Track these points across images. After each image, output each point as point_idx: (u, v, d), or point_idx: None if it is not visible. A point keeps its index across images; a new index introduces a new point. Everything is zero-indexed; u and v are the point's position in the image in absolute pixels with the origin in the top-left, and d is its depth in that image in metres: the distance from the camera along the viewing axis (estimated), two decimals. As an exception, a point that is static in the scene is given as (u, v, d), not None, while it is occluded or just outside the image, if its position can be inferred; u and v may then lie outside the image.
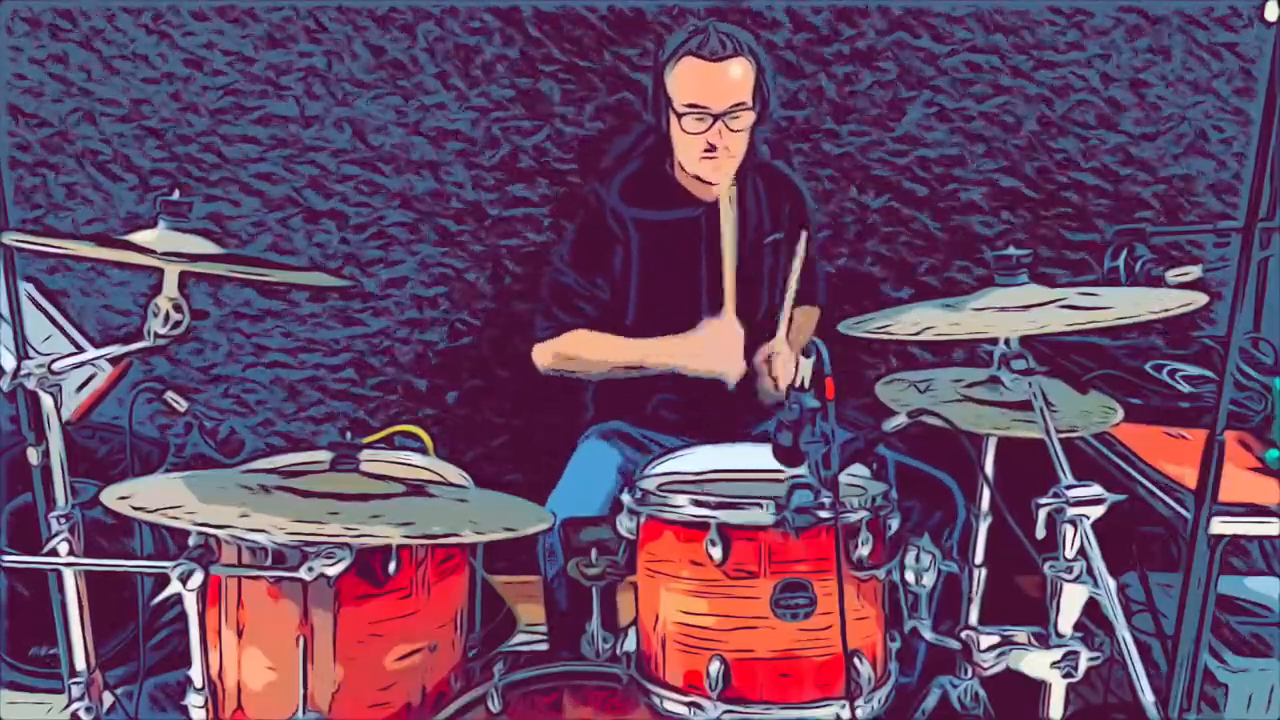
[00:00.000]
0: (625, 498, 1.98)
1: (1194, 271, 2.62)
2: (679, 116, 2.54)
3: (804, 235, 2.66)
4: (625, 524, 1.97)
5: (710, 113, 2.52)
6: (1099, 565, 1.82)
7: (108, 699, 2.11)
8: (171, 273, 1.90)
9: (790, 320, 2.64)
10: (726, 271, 2.61)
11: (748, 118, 2.56)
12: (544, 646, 2.49)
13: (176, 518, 1.68)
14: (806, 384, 1.80)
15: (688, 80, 2.54)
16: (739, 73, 2.54)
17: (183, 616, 1.78)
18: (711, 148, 2.54)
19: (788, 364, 2.58)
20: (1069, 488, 1.82)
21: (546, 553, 2.39)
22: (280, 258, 3.16)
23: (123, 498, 1.75)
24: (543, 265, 3.13)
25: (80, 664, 2.05)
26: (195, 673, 1.82)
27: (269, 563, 1.82)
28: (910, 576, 1.94)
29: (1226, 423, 1.92)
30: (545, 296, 2.72)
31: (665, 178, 2.68)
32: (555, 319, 2.67)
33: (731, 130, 2.54)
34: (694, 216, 2.66)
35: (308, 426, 3.29)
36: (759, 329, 2.68)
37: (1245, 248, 1.92)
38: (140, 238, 1.93)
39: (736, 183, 2.65)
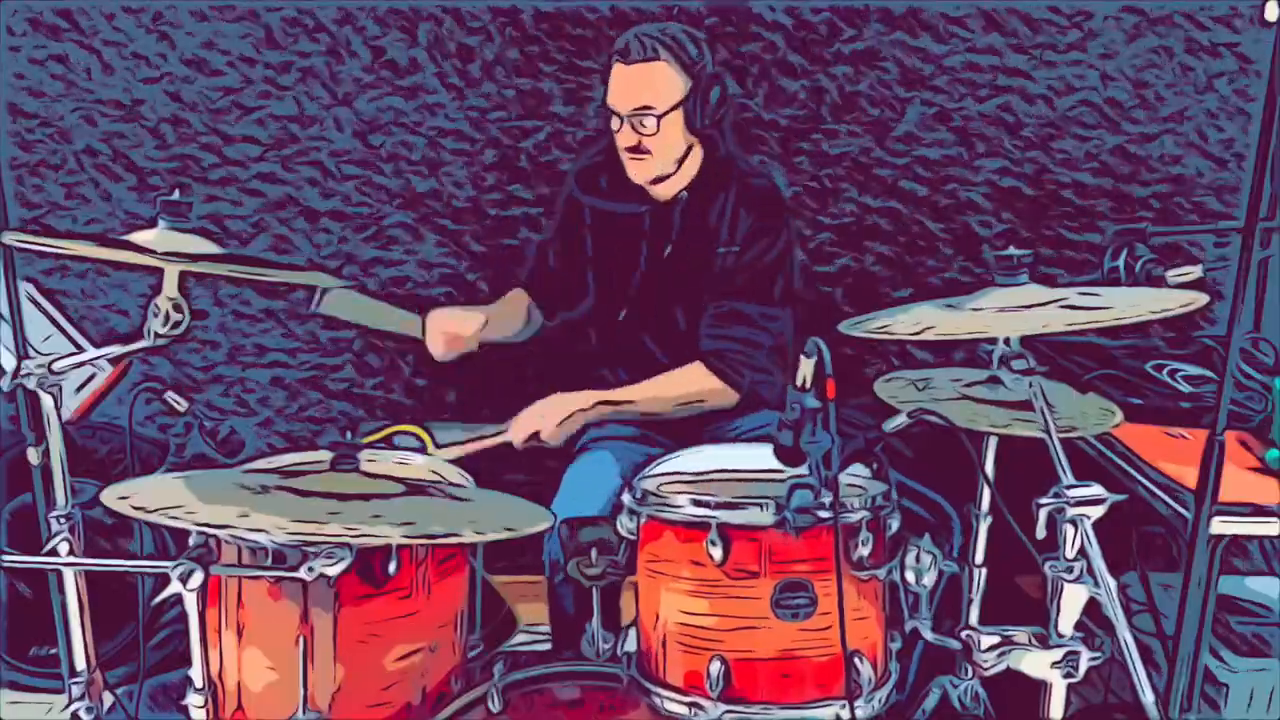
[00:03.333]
0: (625, 498, 1.98)
1: (1194, 271, 2.62)
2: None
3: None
4: (625, 524, 1.96)
5: (619, 114, 2.56)
6: (1099, 565, 1.82)
7: (108, 699, 2.11)
8: (171, 273, 1.90)
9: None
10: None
11: (655, 123, 2.54)
12: (544, 646, 2.48)
13: (176, 518, 1.68)
14: (807, 384, 1.79)
15: (609, 82, 2.59)
16: (652, 77, 2.54)
17: (183, 616, 1.78)
18: (629, 148, 2.57)
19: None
20: (1069, 488, 1.81)
21: (551, 564, 2.39)
22: (280, 258, 3.16)
23: (123, 498, 1.75)
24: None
25: (80, 664, 2.05)
26: (195, 673, 1.82)
27: (269, 563, 1.82)
28: (910, 576, 1.93)
29: (1226, 423, 1.92)
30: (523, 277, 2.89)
31: (621, 171, 2.67)
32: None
33: (638, 132, 2.55)
34: (639, 213, 2.67)
35: (308, 426, 3.29)
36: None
37: (1245, 248, 1.92)
38: (140, 238, 1.93)
39: (688, 190, 2.64)
